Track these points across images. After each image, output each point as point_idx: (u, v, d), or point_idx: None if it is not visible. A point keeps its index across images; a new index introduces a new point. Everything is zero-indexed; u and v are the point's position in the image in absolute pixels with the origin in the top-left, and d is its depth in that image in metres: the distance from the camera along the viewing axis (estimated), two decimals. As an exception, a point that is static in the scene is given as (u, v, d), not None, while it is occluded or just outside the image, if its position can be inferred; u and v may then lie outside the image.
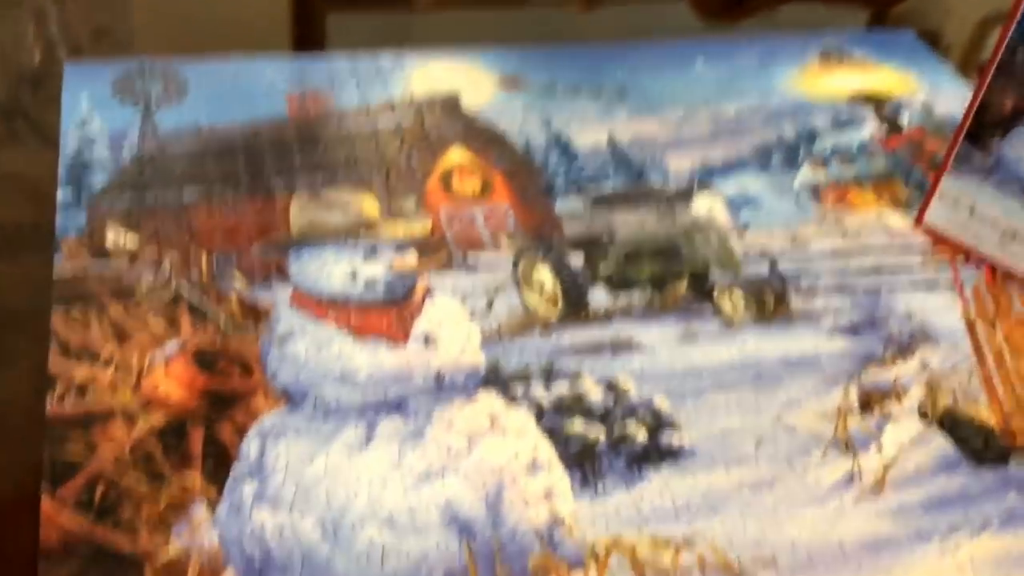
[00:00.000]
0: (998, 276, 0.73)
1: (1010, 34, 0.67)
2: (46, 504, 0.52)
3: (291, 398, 0.59)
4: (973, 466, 0.61)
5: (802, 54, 0.95)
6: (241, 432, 0.57)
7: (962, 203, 0.74)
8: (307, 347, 0.60)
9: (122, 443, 0.56)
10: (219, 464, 0.56)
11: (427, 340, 0.62)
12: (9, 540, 0.52)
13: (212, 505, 0.54)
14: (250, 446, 0.57)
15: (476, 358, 0.62)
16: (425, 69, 0.87)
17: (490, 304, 0.67)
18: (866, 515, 0.58)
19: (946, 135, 0.85)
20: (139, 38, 0.91)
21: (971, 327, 0.70)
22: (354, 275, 0.63)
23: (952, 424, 0.63)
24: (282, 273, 0.65)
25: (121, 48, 0.88)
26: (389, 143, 0.79)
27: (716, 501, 0.58)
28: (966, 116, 0.72)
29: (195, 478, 0.55)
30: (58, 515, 0.52)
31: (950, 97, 0.91)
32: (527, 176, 0.79)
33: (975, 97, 0.71)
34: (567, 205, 0.77)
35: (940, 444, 0.62)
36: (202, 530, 0.53)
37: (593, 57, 0.91)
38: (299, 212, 0.68)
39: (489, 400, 0.60)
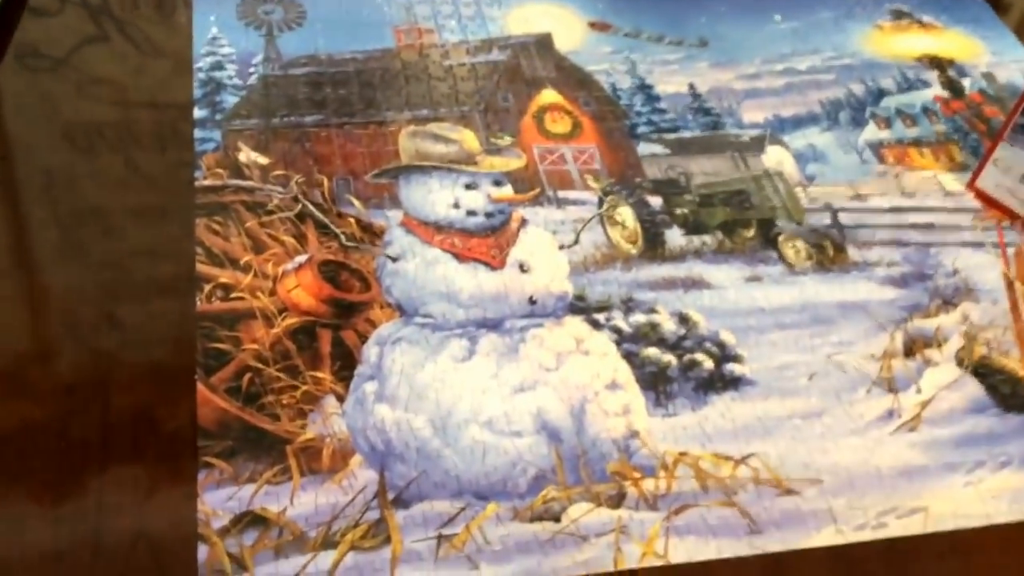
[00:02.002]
0: (1040, 241, 0.79)
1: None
2: (201, 389, 0.60)
3: (403, 311, 0.67)
4: (1000, 410, 0.68)
5: (876, 12, 0.99)
6: (363, 337, 0.65)
7: (1013, 171, 0.79)
8: (416, 266, 0.68)
9: (262, 340, 0.63)
10: (345, 364, 0.64)
11: (521, 267, 0.69)
12: (172, 420, 0.60)
13: (340, 399, 0.62)
14: (370, 351, 0.64)
15: (564, 286, 0.70)
16: (521, 9, 0.91)
17: (577, 238, 0.73)
18: (902, 447, 0.65)
19: (1004, 102, 0.90)
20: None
21: (1009, 286, 0.76)
22: (456, 203, 0.70)
23: (985, 372, 0.70)
24: (393, 198, 0.73)
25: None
26: (487, 80, 0.85)
27: (771, 426, 0.65)
28: (1024, 93, 0.77)
29: (325, 375, 0.63)
30: (212, 399, 0.60)
31: (1012, 66, 0.95)
32: (613, 119, 0.84)
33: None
34: (649, 148, 0.83)
35: (972, 389, 0.69)
36: (332, 420, 0.61)
37: (676, 5, 0.96)
38: (408, 142, 0.75)
39: (575, 324, 0.68)
